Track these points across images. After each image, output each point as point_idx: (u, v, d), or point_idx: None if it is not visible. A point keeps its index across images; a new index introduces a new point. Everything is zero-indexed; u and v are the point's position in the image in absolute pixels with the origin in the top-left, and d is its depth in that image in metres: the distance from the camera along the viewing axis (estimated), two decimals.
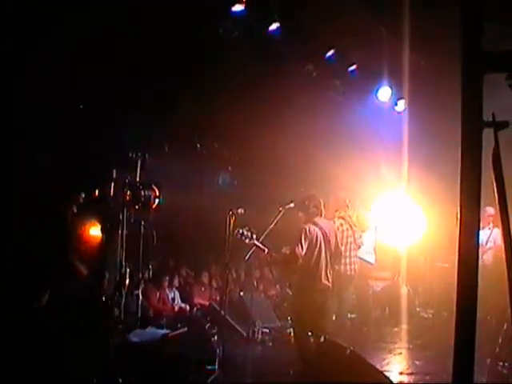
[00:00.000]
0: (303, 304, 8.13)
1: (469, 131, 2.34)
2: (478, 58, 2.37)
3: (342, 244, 9.54)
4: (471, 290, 2.39)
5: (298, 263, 7.97)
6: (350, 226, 10.38)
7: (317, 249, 8.03)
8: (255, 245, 8.46)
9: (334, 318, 9.85)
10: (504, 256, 2.56)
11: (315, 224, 8.16)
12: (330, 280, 8.23)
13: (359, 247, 10.63)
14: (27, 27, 8.22)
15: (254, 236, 8.45)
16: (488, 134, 2.48)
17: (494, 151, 2.46)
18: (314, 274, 8.03)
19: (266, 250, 8.41)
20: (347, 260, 10.27)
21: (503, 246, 2.56)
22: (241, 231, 8.43)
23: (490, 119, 2.47)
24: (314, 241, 8.03)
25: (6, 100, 8.16)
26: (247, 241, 8.44)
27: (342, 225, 10.19)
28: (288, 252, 8.24)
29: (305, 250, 7.93)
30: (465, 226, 2.34)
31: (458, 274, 2.41)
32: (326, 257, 8.13)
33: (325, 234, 8.16)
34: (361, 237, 10.65)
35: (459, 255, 2.41)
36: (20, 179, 7.99)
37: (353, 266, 10.42)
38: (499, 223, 2.57)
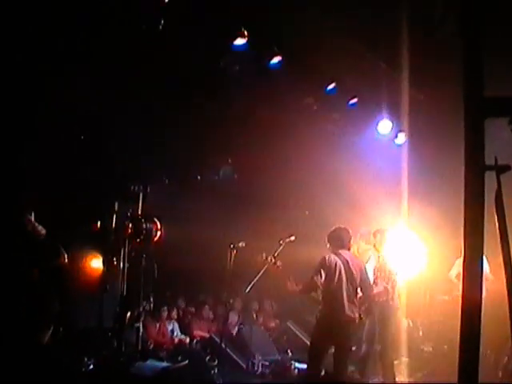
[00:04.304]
0: (323, 333, 8.06)
1: (471, 174, 2.39)
2: (480, 103, 2.43)
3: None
4: (475, 324, 2.42)
5: (317, 291, 7.96)
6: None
7: (336, 277, 7.94)
8: (279, 268, 8.53)
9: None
10: (500, 289, 2.60)
11: (336, 254, 8.14)
12: (356, 313, 8.18)
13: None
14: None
15: (279, 262, 8.54)
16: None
17: (497, 194, 2.51)
18: (336, 304, 7.94)
19: (288, 277, 8.43)
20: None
21: (505, 284, 2.60)
22: (264, 256, 8.59)
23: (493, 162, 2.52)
24: (333, 269, 7.95)
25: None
26: (272, 264, 8.53)
27: (379, 257, 9.91)
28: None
29: (323, 278, 7.90)
30: (468, 270, 2.37)
31: (462, 315, 2.43)
32: (349, 288, 8.06)
33: (346, 265, 8.08)
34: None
35: (463, 292, 2.44)
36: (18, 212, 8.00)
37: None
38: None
